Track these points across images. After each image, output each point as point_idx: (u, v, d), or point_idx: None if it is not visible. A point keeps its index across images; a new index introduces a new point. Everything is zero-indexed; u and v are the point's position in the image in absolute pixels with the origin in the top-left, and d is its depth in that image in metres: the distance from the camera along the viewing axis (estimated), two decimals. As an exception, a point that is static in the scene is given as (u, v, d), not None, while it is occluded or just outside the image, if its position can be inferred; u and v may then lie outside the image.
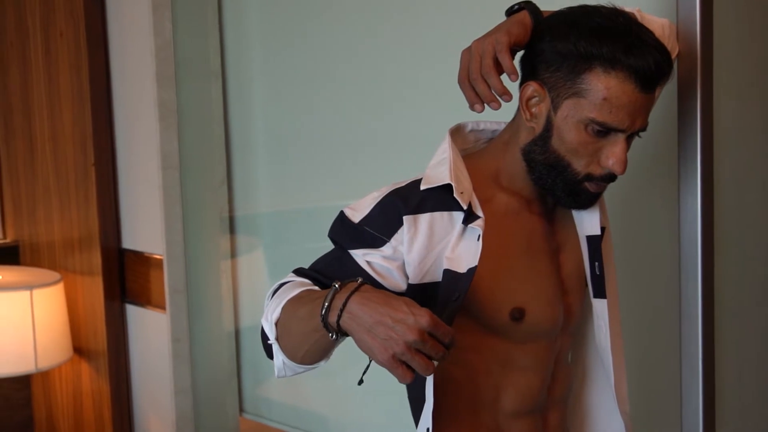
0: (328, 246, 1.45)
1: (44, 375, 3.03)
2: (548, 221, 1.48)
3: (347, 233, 1.40)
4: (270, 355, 1.37)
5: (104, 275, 2.78)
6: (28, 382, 3.09)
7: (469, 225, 1.35)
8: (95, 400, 2.87)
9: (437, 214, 1.37)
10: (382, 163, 2.28)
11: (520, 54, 1.42)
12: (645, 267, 1.79)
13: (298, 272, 1.41)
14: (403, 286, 1.38)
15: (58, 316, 2.79)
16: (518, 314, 1.42)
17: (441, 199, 1.37)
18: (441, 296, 1.35)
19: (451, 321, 1.33)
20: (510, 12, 1.43)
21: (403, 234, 1.36)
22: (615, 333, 1.48)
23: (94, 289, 2.80)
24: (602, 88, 1.31)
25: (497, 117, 1.49)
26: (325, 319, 1.21)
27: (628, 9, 1.39)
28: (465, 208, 1.36)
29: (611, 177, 1.38)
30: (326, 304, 1.21)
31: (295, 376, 1.38)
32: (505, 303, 1.41)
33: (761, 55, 1.82)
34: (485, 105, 1.38)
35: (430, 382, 1.36)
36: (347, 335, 1.23)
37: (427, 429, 1.38)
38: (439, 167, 1.40)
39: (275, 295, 1.35)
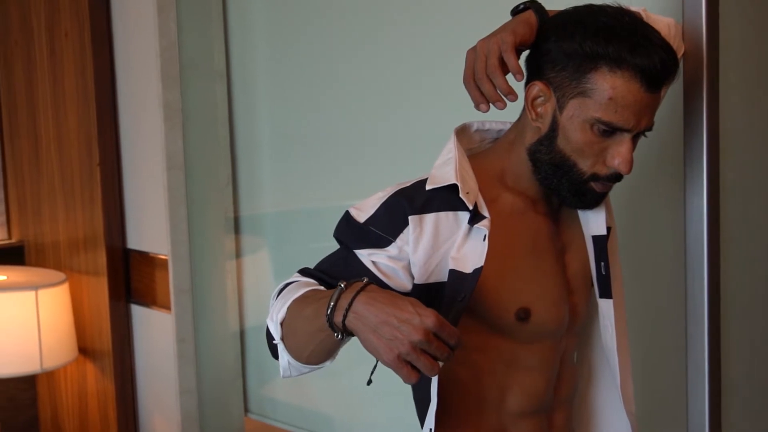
0: (333, 246, 1.45)
1: (49, 375, 3.04)
2: (554, 221, 1.48)
3: (352, 233, 1.40)
4: (275, 356, 1.37)
5: (109, 275, 2.78)
6: (33, 383, 3.10)
7: (475, 225, 1.35)
8: (100, 400, 2.87)
9: (443, 214, 1.37)
10: (387, 163, 2.28)
11: (525, 54, 1.42)
12: (650, 267, 1.79)
13: (304, 272, 1.41)
14: (408, 286, 1.38)
15: (63, 316, 2.79)
16: (524, 314, 1.41)
17: (446, 199, 1.37)
18: (446, 296, 1.35)
19: (457, 321, 1.33)
20: (515, 11, 1.42)
21: (408, 234, 1.36)
22: (621, 333, 1.48)
23: (99, 289, 2.80)
24: (608, 88, 1.31)
25: (502, 117, 1.49)
26: (330, 319, 1.21)
27: (633, 8, 1.39)
28: (471, 208, 1.35)
29: (617, 177, 1.38)
30: (332, 303, 1.21)
31: (300, 376, 1.38)
32: (511, 303, 1.41)
33: (767, 54, 1.81)
34: (490, 105, 1.38)
35: (434, 382, 1.36)
36: (353, 335, 1.23)
37: (430, 429, 1.38)
38: (444, 167, 1.40)
39: (280, 295, 1.35)
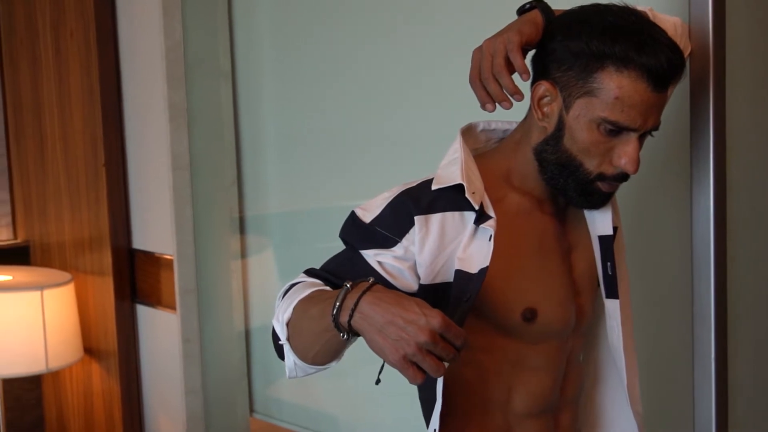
0: (339, 246, 1.44)
1: (55, 375, 3.04)
2: (560, 221, 1.47)
3: (358, 233, 1.40)
4: (281, 356, 1.37)
5: (115, 275, 2.78)
6: (38, 383, 3.10)
7: (481, 225, 1.35)
8: (106, 400, 2.87)
9: (448, 214, 1.37)
10: (392, 163, 2.28)
11: (531, 53, 1.41)
12: (657, 267, 1.78)
13: (309, 272, 1.41)
14: (414, 287, 1.37)
15: (68, 316, 2.79)
16: (530, 314, 1.41)
17: (452, 199, 1.37)
18: (452, 297, 1.35)
19: (463, 322, 1.32)
20: (521, 11, 1.42)
21: (414, 234, 1.36)
22: (627, 333, 1.47)
23: (105, 289, 2.81)
24: (614, 87, 1.30)
25: (508, 116, 1.49)
26: (336, 319, 1.21)
27: (640, 8, 1.39)
28: (477, 208, 1.35)
29: (623, 176, 1.37)
30: (337, 303, 1.21)
31: (306, 376, 1.38)
32: (517, 303, 1.41)
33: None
34: (496, 104, 1.38)
35: (440, 382, 1.36)
36: (358, 335, 1.22)
37: (435, 430, 1.38)
38: (450, 167, 1.40)
39: (286, 295, 1.35)
